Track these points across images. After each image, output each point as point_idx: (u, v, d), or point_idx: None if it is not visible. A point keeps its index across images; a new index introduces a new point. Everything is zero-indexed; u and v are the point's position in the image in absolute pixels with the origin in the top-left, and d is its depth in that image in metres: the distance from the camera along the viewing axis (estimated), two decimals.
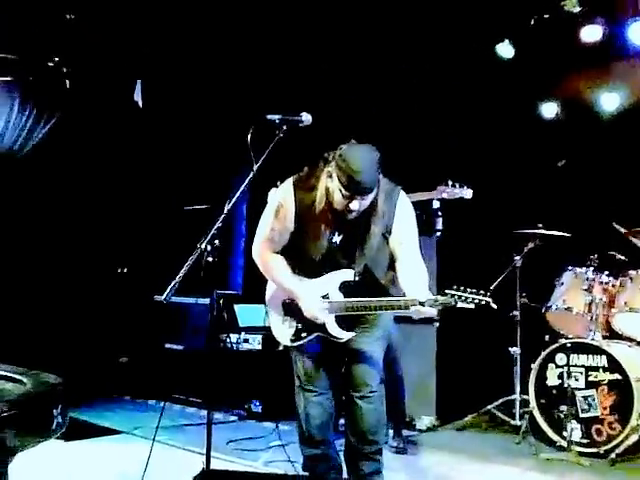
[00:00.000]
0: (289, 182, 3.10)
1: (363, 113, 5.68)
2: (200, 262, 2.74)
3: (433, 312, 2.85)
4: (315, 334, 3.12)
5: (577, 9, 5.11)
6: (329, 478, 3.25)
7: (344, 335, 3.07)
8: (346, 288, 3.05)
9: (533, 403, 4.50)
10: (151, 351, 6.00)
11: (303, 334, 3.15)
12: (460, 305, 2.77)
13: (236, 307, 5.70)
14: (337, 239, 3.03)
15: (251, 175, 2.86)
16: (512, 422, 4.79)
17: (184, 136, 6.35)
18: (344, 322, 3.08)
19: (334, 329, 3.07)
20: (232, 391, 5.25)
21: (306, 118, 3.03)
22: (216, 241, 2.73)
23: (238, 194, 2.80)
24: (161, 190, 6.52)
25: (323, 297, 3.06)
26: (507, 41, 5.51)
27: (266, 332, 5.62)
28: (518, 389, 4.85)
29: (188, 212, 6.35)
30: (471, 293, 2.77)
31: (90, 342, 5.95)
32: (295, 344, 3.19)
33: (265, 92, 5.74)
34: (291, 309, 3.15)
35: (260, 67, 5.82)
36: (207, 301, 5.46)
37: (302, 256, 3.09)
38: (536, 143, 5.62)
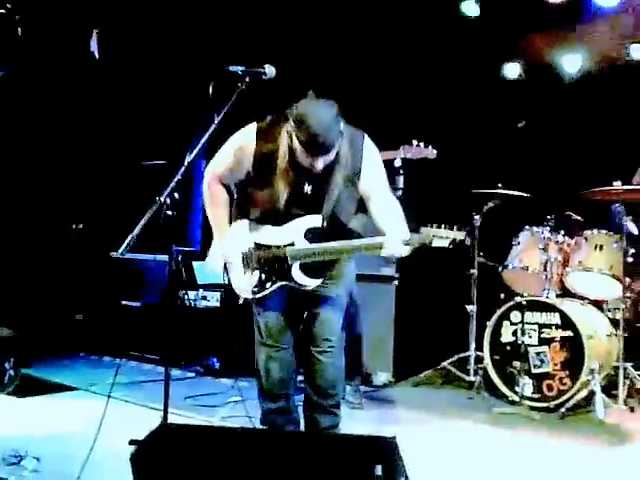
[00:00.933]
0: (252, 129, 3.04)
1: (328, 70, 5.60)
2: (159, 216, 2.68)
3: (404, 251, 2.84)
4: (279, 283, 3.07)
5: None
6: (287, 431, 3.27)
7: (309, 282, 3.04)
8: (313, 235, 3.01)
9: (487, 359, 4.59)
10: (107, 308, 5.93)
11: (267, 284, 3.08)
12: (435, 244, 2.79)
13: (194, 264, 5.64)
14: (300, 189, 2.99)
15: (212, 127, 2.78)
16: (466, 378, 4.90)
17: (143, 88, 6.18)
18: (309, 270, 3.05)
19: (299, 277, 3.03)
20: (190, 348, 5.23)
21: (269, 71, 2.96)
22: (176, 194, 2.67)
23: (200, 146, 2.74)
24: (119, 144, 6.36)
25: (289, 245, 3.02)
26: None
27: (225, 289, 5.61)
28: (473, 346, 4.95)
29: (146, 167, 6.22)
30: (445, 229, 2.82)
31: (45, 298, 5.85)
32: (258, 295, 3.12)
33: (228, 43, 5.60)
34: (252, 258, 3.08)
35: (223, 17, 5.66)
36: (165, 258, 5.38)
37: (265, 204, 3.04)
38: (499, 103, 5.64)
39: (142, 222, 2.56)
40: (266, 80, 2.96)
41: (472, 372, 4.90)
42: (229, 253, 3.15)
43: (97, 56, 6.05)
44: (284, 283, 3.07)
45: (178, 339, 5.01)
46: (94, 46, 6.03)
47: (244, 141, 3.04)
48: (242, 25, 5.67)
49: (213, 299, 5.45)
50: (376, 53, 5.68)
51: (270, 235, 3.06)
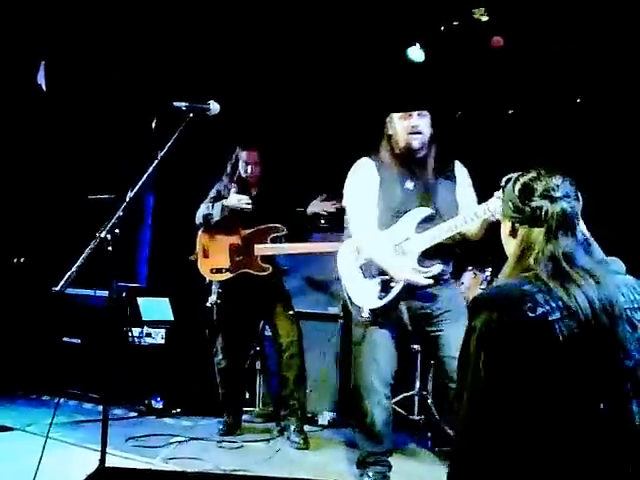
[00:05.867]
0: (368, 163, 3.28)
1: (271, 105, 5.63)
2: (99, 252, 2.65)
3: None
4: (401, 283, 3.10)
5: (485, 18, 5.26)
6: (229, 475, 3.26)
7: (432, 268, 3.12)
8: (423, 226, 3.15)
9: (431, 399, 4.61)
10: (46, 345, 5.74)
11: (391, 284, 3.13)
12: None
13: (139, 300, 5.55)
14: (409, 185, 3.19)
15: (155, 163, 2.78)
16: (411, 417, 4.90)
17: (90, 122, 6.11)
18: (428, 259, 3.15)
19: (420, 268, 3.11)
20: (133, 386, 5.11)
21: (214, 107, 2.99)
22: (116, 230, 2.64)
23: (141, 182, 2.72)
24: (64, 177, 6.26)
25: (404, 241, 3.14)
26: (418, 45, 5.59)
27: (170, 326, 5.51)
28: (418, 385, 4.97)
29: (92, 201, 6.13)
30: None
31: None
32: (383, 301, 3.15)
33: (174, 79, 5.59)
34: (371, 268, 3.20)
35: (170, 53, 5.65)
36: (107, 293, 5.28)
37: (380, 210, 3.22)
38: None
39: (81, 258, 2.52)
40: (210, 116, 3.00)
41: (416, 411, 4.91)
42: (343, 271, 3.31)
43: (44, 88, 5.97)
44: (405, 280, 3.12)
45: (120, 377, 4.90)
46: (41, 78, 5.96)
47: (368, 175, 3.26)
48: (189, 61, 5.66)
49: (158, 336, 5.36)
50: (324, 94, 5.74)
51: (395, 257, 3.17)
